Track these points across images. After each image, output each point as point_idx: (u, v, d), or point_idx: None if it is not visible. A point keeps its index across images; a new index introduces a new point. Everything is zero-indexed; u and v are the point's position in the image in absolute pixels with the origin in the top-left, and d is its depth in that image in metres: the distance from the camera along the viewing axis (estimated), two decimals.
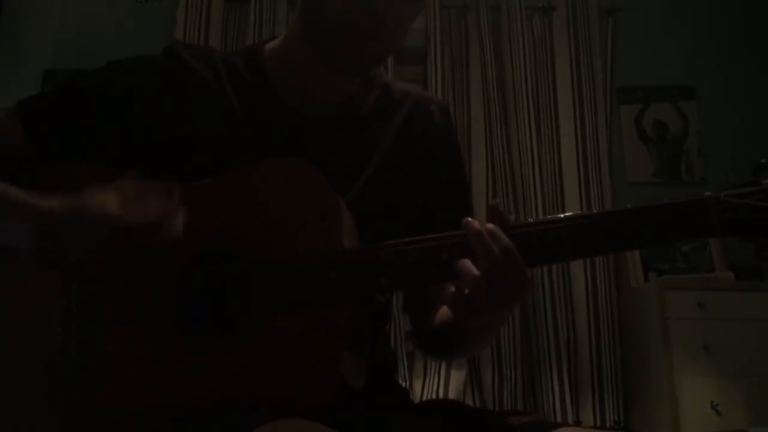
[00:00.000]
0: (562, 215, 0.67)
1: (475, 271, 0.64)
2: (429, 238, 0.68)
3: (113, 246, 0.69)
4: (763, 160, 0.64)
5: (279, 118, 0.84)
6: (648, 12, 3.15)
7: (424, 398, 2.52)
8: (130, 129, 0.82)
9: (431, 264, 0.67)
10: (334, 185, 0.74)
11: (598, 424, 2.57)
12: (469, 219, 0.66)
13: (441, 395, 2.55)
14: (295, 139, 0.84)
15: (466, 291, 0.65)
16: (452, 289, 0.67)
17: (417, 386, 2.62)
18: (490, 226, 0.66)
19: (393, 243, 0.68)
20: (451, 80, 2.95)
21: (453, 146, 0.96)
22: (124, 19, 2.99)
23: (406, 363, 2.64)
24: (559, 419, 2.54)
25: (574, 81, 2.96)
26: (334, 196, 0.72)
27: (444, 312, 0.84)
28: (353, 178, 0.83)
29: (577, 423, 2.56)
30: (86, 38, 2.90)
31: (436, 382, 2.62)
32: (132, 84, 0.84)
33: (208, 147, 0.81)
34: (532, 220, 0.67)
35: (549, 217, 0.67)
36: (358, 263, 0.69)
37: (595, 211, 0.66)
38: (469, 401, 2.56)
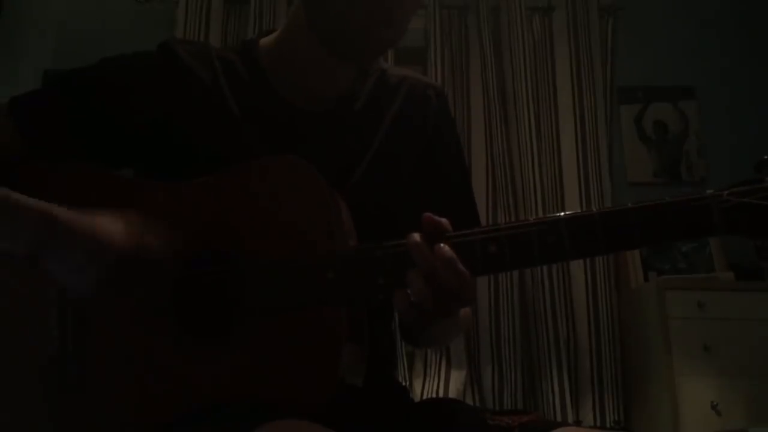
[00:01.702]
0: (562, 213, 0.65)
1: (421, 281, 0.63)
2: None
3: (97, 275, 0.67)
4: (766, 156, 0.63)
5: (277, 113, 0.84)
6: (648, 12, 3.15)
7: (424, 398, 2.52)
8: (124, 127, 0.82)
9: None
10: (334, 179, 0.73)
11: (598, 424, 2.57)
12: (411, 233, 0.65)
13: (441, 395, 2.55)
14: (294, 134, 0.83)
15: (412, 298, 0.64)
16: (398, 295, 0.66)
17: (417, 386, 2.62)
18: (431, 236, 0.64)
19: (390, 243, 0.68)
20: (451, 80, 2.95)
21: (451, 131, 0.95)
22: (124, 19, 2.99)
23: (406, 363, 2.64)
24: (559, 419, 2.53)
25: (574, 81, 2.96)
26: (331, 192, 0.72)
27: None
28: (352, 171, 0.83)
29: (577, 423, 2.55)
30: (86, 38, 2.90)
31: (436, 382, 2.62)
32: (126, 81, 0.83)
33: (206, 144, 0.81)
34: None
35: (546, 216, 0.66)
36: (355, 263, 0.68)
37: (594, 210, 0.65)
38: (469, 401, 2.56)
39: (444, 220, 0.66)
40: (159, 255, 0.69)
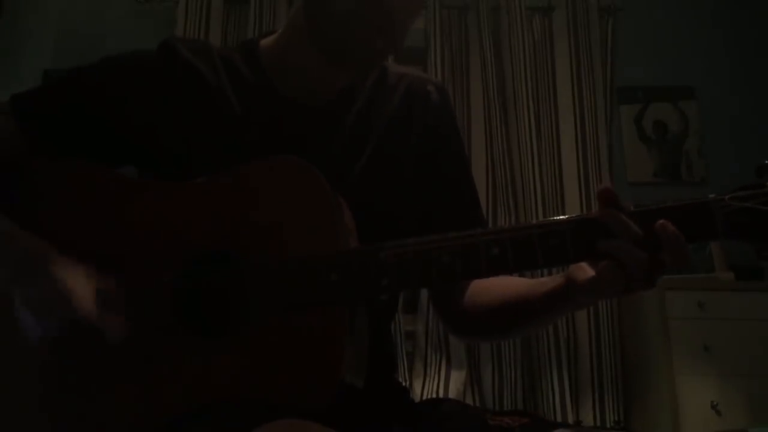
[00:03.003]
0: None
1: (638, 252, 0.64)
2: (430, 239, 0.68)
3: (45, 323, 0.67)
4: (767, 161, 0.64)
5: (278, 111, 0.84)
6: (648, 12, 3.15)
7: (424, 398, 2.52)
8: (126, 125, 0.82)
9: (432, 266, 0.67)
10: (334, 177, 0.73)
11: (598, 424, 2.57)
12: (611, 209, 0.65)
13: (441, 395, 2.55)
14: (295, 131, 0.83)
15: (630, 268, 0.64)
16: (604, 271, 0.66)
17: (417, 386, 2.62)
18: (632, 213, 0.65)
19: (394, 244, 0.68)
20: (451, 80, 2.95)
21: (452, 125, 0.95)
22: (124, 19, 2.99)
23: (406, 363, 2.64)
24: (559, 419, 2.53)
25: (574, 81, 2.96)
26: (333, 193, 0.72)
27: (503, 291, 0.83)
28: (352, 168, 0.83)
29: (577, 423, 2.56)
30: (86, 38, 2.90)
31: (436, 382, 2.62)
32: (127, 80, 0.83)
33: (208, 143, 0.81)
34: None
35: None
36: (358, 265, 0.68)
37: (596, 213, 0.65)
38: (469, 401, 2.56)
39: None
40: (112, 332, 0.69)
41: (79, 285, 0.68)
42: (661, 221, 0.64)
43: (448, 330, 0.95)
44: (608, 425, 2.57)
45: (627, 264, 0.64)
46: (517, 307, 0.81)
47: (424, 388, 2.61)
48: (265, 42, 0.89)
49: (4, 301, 0.69)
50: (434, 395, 2.56)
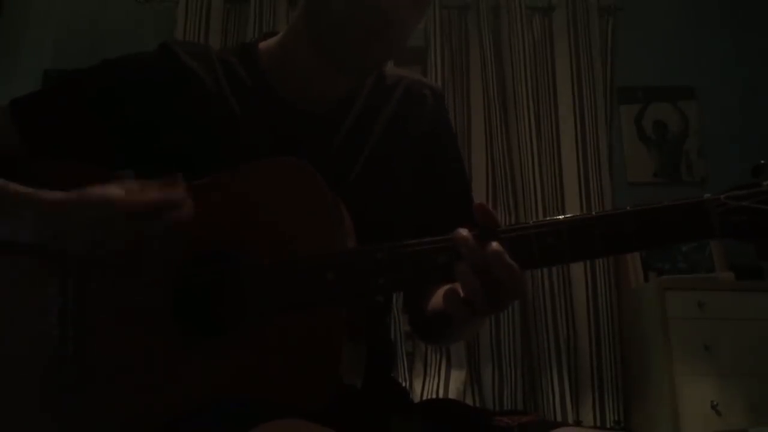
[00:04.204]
0: (561, 216, 0.66)
1: (471, 276, 0.64)
2: (427, 240, 0.68)
3: (116, 233, 0.67)
4: (762, 161, 0.64)
5: (277, 115, 0.84)
6: (648, 12, 3.15)
7: (424, 398, 2.52)
8: (125, 128, 0.82)
9: (428, 266, 0.67)
10: (331, 180, 0.74)
11: (598, 424, 2.57)
12: (459, 228, 0.66)
13: (441, 395, 2.55)
14: (294, 135, 0.84)
15: (462, 295, 0.65)
16: (449, 288, 0.67)
17: (417, 386, 2.62)
18: (480, 232, 0.65)
19: (390, 244, 0.68)
20: (451, 80, 2.95)
21: (447, 130, 0.95)
22: (124, 19, 2.99)
23: (406, 363, 2.64)
24: (559, 419, 2.53)
25: (574, 81, 2.96)
26: (332, 195, 0.72)
27: (436, 301, 0.84)
28: (350, 172, 0.84)
29: (577, 423, 2.56)
30: (86, 38, 2.90)
31: (436, 382, 2.62)
32: (127, 83, 0.83)
33: (207, 146, 0.81)
34: (531, 222, 0.67)
35: (546, 219, 0.67)
36: (355, 264, 0.69)
37: (594, 213, 0.66)
38: (469, 401, 2.56)
39: (494, 214, 0.66)
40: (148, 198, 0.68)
41: (98, 189, 0.68)
42: (490, 242, 0.63)
43: (413, 333, 0.98)
44: (608, 425, 2.58)
45: (463, 289, 0.64)
46: (438, 320, 0.83)
47: (424, 388, 2.62)
48: (264, 45, 0.90)
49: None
50: (434, 395, 2.56)
